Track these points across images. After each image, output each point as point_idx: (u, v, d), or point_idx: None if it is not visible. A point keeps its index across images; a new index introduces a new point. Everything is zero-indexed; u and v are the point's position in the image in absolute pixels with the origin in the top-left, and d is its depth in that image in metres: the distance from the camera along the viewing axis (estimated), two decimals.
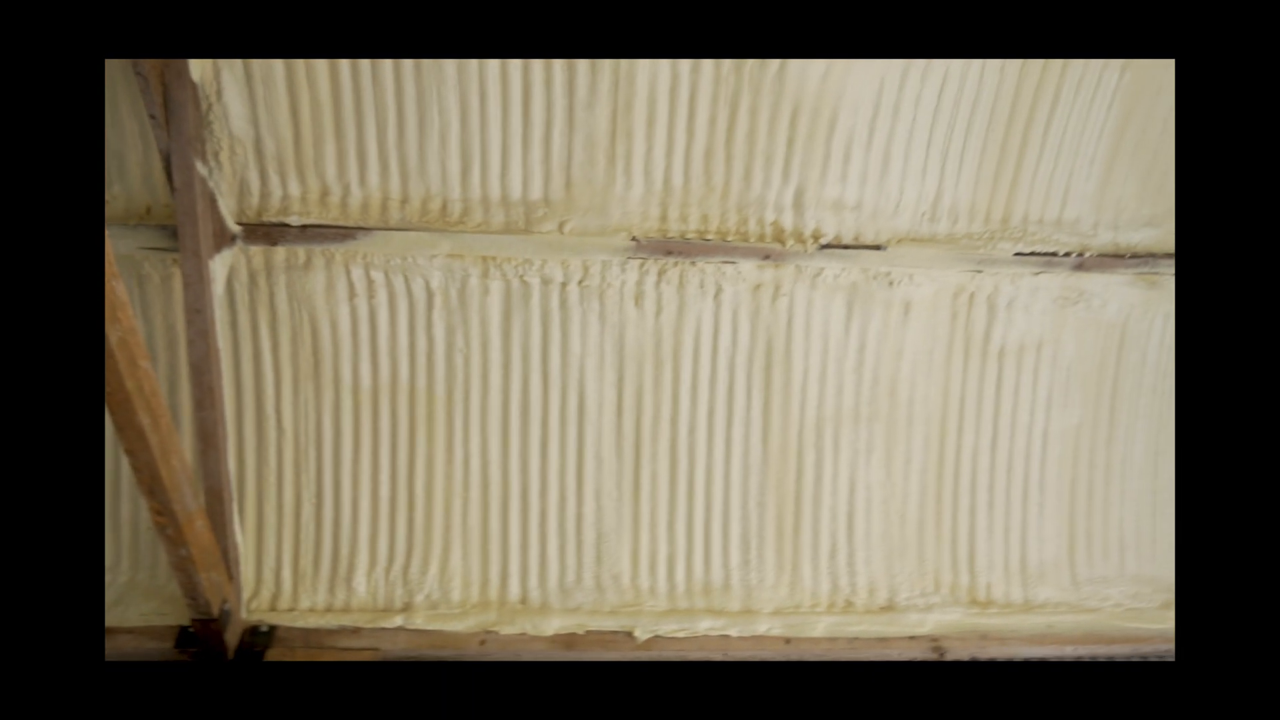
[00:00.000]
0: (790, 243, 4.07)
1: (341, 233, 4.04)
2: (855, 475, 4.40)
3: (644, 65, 3.78)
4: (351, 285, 4.13)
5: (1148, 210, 4.19)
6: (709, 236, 4.07)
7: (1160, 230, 4.21)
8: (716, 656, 4.26)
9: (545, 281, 4.14)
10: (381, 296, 4.15)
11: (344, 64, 3.75)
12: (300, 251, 4.05)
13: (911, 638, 4.37)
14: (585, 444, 4.33)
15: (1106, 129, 4.03)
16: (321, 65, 3.76)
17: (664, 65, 3.80)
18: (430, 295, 4.16)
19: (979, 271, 4.14)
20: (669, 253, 4.06)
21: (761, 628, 4.32)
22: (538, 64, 3.79)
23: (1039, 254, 4.16)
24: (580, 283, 4.13)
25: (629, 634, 4.26)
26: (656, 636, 4.26)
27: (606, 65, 3.80)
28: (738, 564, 4.41)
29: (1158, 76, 3.91)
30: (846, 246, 4.09)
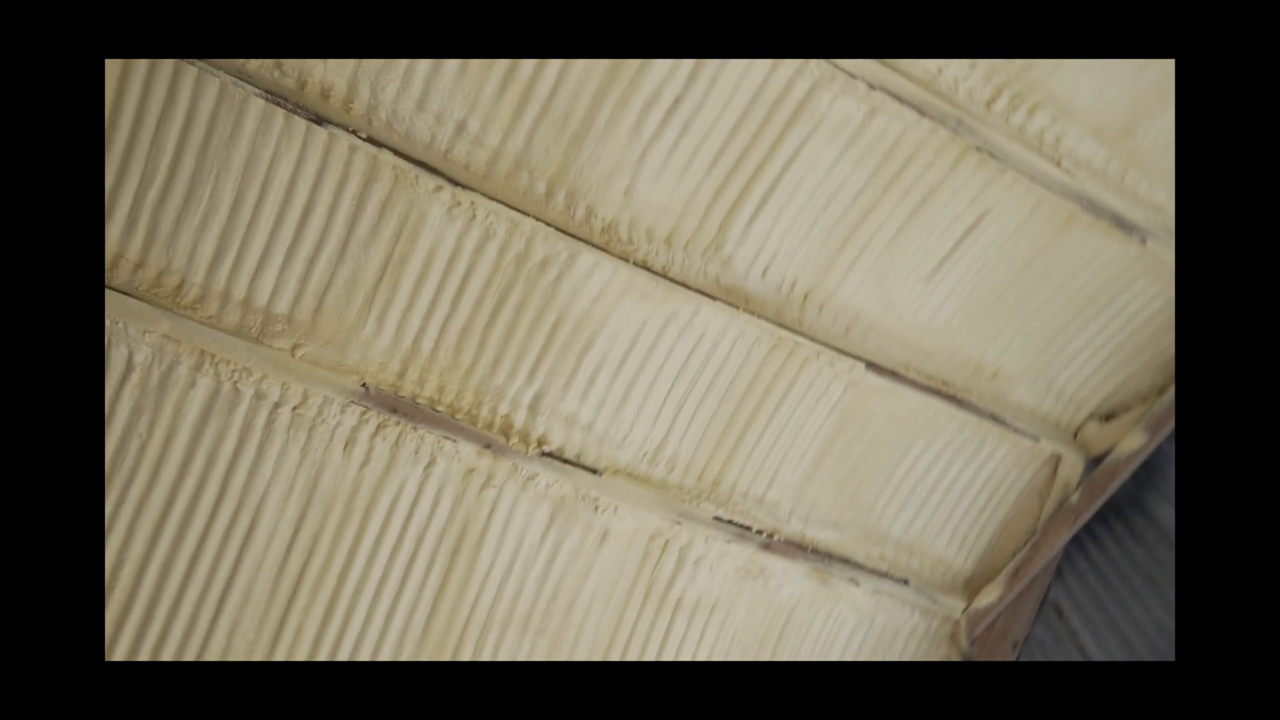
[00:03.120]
0: (514, 440, 4.10)
1: None
2: None
3: (431, 228, 3.81)
4: None
5: (837, 514, 4.56)
6: (439, 408, 4.04)
7: (842, 535, 4.58)
8: None
9: (259, 396, 3.92)
10: None
11: (128, 109, 3.55)
12: None
13: None
14: (239, 573, 4.01)
15: (822, 432, 4.41)
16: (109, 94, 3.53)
17: (450, 235, 3.85)
18: (129, 368, 3.83)
19: (679, 523, 4.31)
20: (394, 410, 3.98)
21: None
22: (329, 186, 3.74)
23: (736, 524, 4.40)
24: (294, 409, 3.95)
25: None
26: None
27: (396, 213, 3.80)
28: None
29: (871, 403, 4.36)
30: (566, 461, 4.16)
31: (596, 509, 4.25)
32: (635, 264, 3.93)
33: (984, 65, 3.66)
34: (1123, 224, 4.01)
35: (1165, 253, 4.08)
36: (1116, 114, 3.80)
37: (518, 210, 3.78)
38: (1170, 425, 4.38)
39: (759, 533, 4.44)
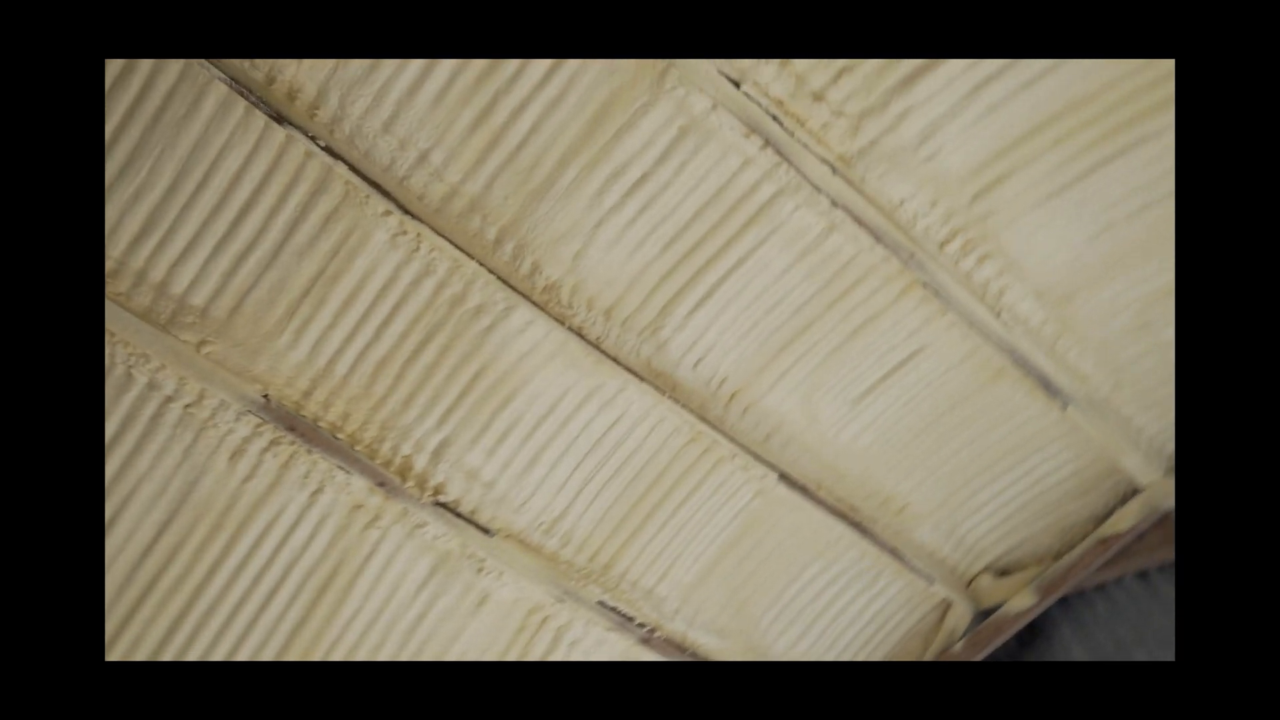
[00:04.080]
0: (410, 484, 3.93)
1: None
2: None
3: (371, 251, 3.70)
4: None
5: (723, 621, 4.46)
6: (339, 436, 3.86)
7: (724, 644, 4.47)
8: None
9: (152, 386, 3.71)
10: None
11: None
12: None
13: None
14: None
15: (723, 535, 4.34)
16: None
17: (389, 262, 3.74)
18: None
19: (561, 601, 4.16)
20: (292, 429, 3.79)
21: None
22: (275, 187, 3.62)
23: (620, 612, 4.26)
24: (187, 407, 3.74)
25: None
26: None
27: (338, 228, 3.69)
28: None
29: (776, 514, 4.31)
30: (459, 515, 4.00)
31: (480, 571, 4.08)
32: (570, 329, 3.87)
33: (944, 205, 3.75)
34: (1048, 386, 4.09)
35: (1084, 421, 4.16)
36: (1061, 279, 3.91)
37: (463, 251, 3.70)
38: (1060, 592, 4.41)
39: (641, 625, 4.31)
